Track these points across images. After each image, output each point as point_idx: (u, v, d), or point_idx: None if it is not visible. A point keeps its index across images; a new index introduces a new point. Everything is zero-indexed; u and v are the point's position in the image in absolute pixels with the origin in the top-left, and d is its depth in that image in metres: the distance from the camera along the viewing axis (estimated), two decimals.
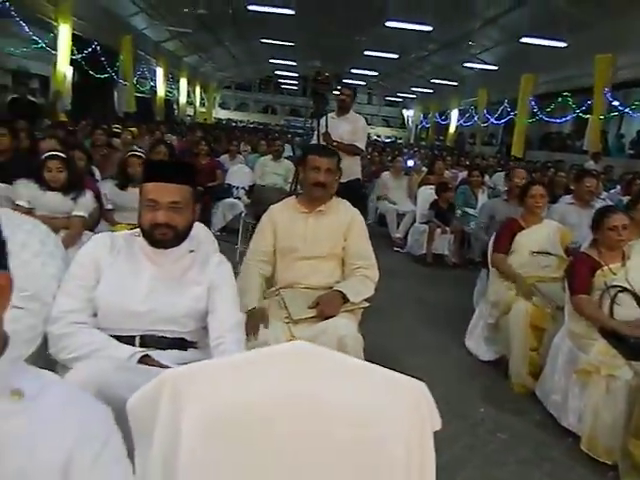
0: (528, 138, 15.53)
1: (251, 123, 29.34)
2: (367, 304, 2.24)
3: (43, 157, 2.88)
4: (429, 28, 11.84)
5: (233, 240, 4.82)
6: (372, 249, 2.37)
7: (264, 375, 0.95)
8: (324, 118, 4.28)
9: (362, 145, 4.45)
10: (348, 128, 4.35)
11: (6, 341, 0.74)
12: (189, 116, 23.64)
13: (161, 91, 18.71)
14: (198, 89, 25.05)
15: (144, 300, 1.48)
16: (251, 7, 11.98)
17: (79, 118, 9.84)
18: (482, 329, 3.25)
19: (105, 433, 0.75)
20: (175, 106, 22.04)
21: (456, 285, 4.71)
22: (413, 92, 25.64)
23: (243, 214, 5.15)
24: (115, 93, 16.78)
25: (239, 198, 5.80)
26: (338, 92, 4.61)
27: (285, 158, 6.25)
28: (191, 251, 1.60)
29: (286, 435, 0.95)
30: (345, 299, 2.14)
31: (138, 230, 1.58)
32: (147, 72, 18.41)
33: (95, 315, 1.49)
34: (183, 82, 21.84)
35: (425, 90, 23.21)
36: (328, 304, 2.08)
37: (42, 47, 11.73)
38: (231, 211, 5.62)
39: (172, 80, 20.94)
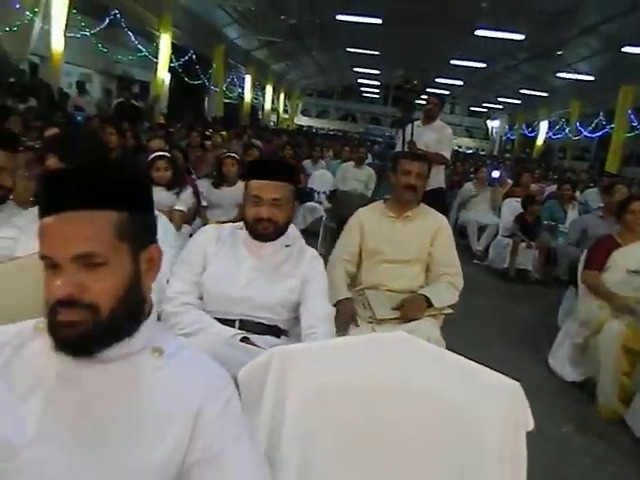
0: (625, 153, 14.53)
1: (331, 130, 29.76)
2: (450, 311, 2.25)
3: (151, 157, 3.15)
4: (521, 37, 11.47)
5: (312, 242, 4.92)
6: (458, 257, 2.38)
7: (366, 359, 1.02)
8: (409, 126, 4.31)
9: (447, 154, 4.42)
10: (434, 136, 4.35)
11: (151, 307, 0.86)
12: (273, 122, 24.44)
13: (248, 97, 19.50)
14: (282, 96, 25.82)
15: (243, 287, 1.61)
16: (339, 17, 12.23)
17: (173, 121, 10.54)
18: (568, 348, 3.12)
19: (228, 393, 0.85)
20: (260, 112, 22.88)
21: (539, 302, 4.53)
22: (499, 102, 24.82)
23: (324, 218, 5.28)
24: (205, 99, 17.77)
25: (320, 202, 5.94)
26: (425, 100, 4.61)
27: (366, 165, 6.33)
28: (287, 245, 1.71)
29: (382, 416, 1.01)
30: (429, 304, 2.16)
31: (241, 223, 1.72)
32: (236, 79, 19.29)
33: (201, 298, 1.63)
34: (269, 89, 22.61)
35: (512, 101, 22.39)
36: (412, 307, 2.12)
37: (145, 55, 12.72)
38: (311, 214, 5.77)
39: (258, 87, 21.77)
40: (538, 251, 5.20)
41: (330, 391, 1.03)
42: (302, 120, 32.28)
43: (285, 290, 1.64)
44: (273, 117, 25.37)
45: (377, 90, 30.61)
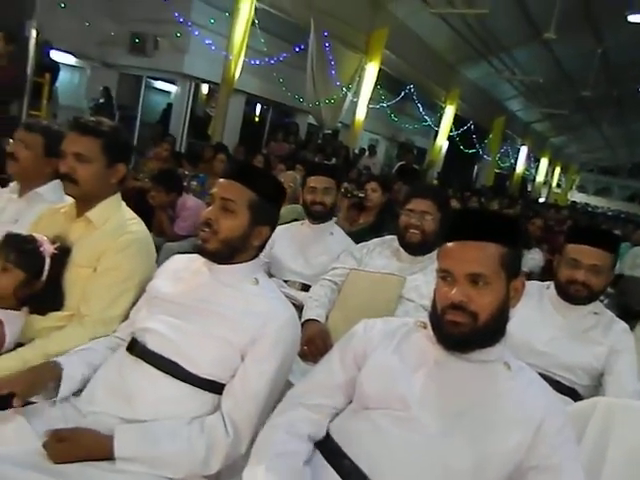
0: None
1: (611, 210, 26.49)
2: None
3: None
4: None
5: None
6: None
7: None
8: None
9: None
10: None
11: (505, 330, 1.05)
12: (544, 196, 23.19)
13: (520, 169, 19.08)
14: (558, 170, 24.39)
15: (546, 342, 1.68)
16: None
17: (443, 185, 11.10)
18: None
19: (566, 417, 0.97)
20: (529, 184, 22.03)
21: None
22: None
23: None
24: (475, 166, 18.11)
25: None
26: None
27: None
28: (595, 313, 1.72)
29: None
30: None
31: (547, 283, 1.81)
32: (510, 150, 19.13)
33: None
34: (544, 162, 21.69)
35: None
36: None
37: (428, 125, 13.83)
38: None
39: (532, 159, 21.08)
40: None
41: None
42: (576, 196, 29.63)
43: (590, 355, 1.64)
44: (544, 191, 24.08)
45: None
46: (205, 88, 9.96)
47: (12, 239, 1.37)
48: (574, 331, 1.68)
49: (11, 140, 1.91)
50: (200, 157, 5.13)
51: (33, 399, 1.18)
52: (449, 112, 13.10)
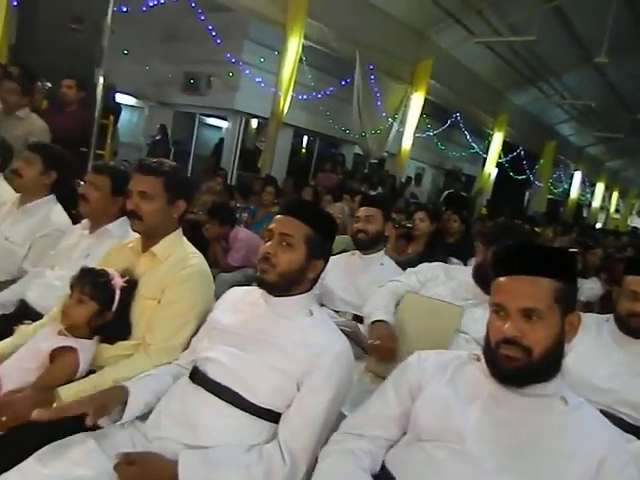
0: None
1: None
2: None
3: None
4: None
5: None
6: None
7: None
8: None
9: None
10: None
11: (560, 365, 1.04)
12: (604, 223, 22.23)
13: (574, 194, 18.45)
14: (615, 194, 23.40)
15: (607, 379, 1.62)
16: None
17: (492, 213, 10.86)
18: None
19: (629, 456, 0.94)
20: (584, 210, 21.23)
21: None
22: None
23: None
24: (527, 193, 17.66)
25: None
26: None
27: None
28: None
29: None
30: None
31: (607, 316, 1.76)
32: (562, 175, 18.57)
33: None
34: (600, 187, 20.89)
35: None
36: None
37: (476, 152, 13.69)
38: None
39: (586, 184, 20.35)
40: None
41: None
42: (637, 222, 28.21)
43: None
44: (601, 216, 23.11)
45: None
46: (255, 123, 10.33)
47: (87, 273, 1.49)
48: (637, 366, 1.62)
49: (82, 182, 2.07)
50: (250, 189, 5.29)
51: (101, 422, 1.26)
52: (497, 139, 12.93)
